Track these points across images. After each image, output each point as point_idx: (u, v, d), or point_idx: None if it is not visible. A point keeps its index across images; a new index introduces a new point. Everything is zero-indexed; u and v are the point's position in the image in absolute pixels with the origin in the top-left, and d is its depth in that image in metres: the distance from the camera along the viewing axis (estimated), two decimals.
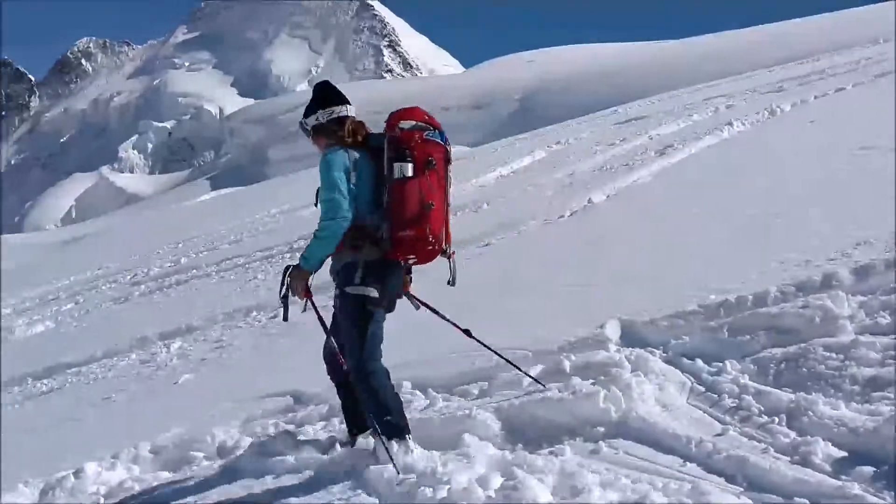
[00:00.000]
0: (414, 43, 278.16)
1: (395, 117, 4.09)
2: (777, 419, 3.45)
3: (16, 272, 30.48)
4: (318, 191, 4.03)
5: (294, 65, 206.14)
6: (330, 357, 4.24)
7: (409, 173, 3.92)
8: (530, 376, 4.60)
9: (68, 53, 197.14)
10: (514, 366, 4.63)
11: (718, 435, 3.45)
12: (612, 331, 4.85)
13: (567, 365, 4.48)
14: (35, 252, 41.61)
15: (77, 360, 9.16)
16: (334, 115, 4.17)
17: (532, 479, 3.13)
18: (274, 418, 5.27)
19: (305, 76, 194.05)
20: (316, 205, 4.02)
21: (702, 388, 3.98)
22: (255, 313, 8.98)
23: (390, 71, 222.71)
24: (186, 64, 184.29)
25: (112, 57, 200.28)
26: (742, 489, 2.99)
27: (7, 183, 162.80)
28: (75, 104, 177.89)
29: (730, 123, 13.82)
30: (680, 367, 4.26)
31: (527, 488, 3.06)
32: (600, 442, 3.63)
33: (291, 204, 22.77)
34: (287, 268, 4.12)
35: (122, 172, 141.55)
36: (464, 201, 13.65)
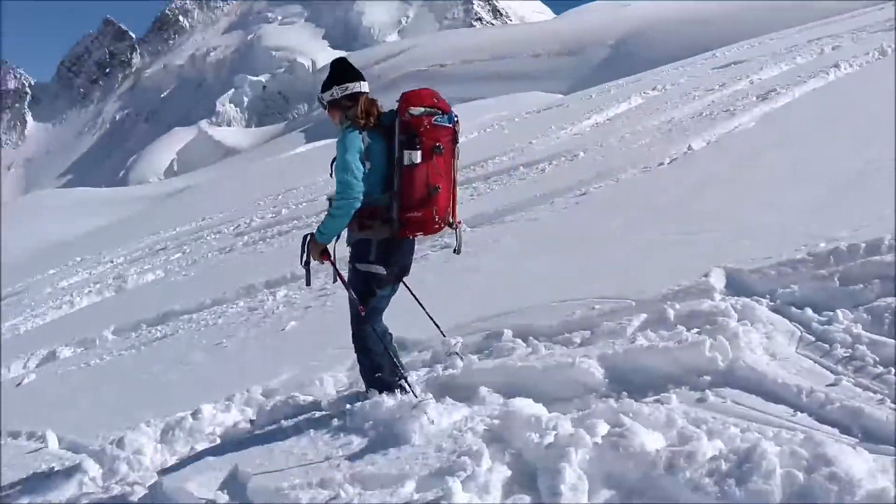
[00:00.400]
0: None
1: (406, 101, 4.24)
2: (893, 369, 3.34)
3: (125, 224, 31.80)
4: (332, 162, 4.30)
5: (384, 16, 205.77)
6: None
7: (418, 160, 4.16)
8: (439, 327, 5.05)
9: (167, 11, 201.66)
10: (430, 317, 5.02)
11: (831, 385, 3.37)
12: (717, 279, 4.75)
13: (671, 314, 4.41)
14: (141, 204, 43.32)
15: (188, 308, 9.49)
16: (348, 91, 4.37)
17: (640, 427, 3.14)
18: None
19: (395, 27, 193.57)
20: (331, 175, 4.30)
21: (812, 338, 3.87)
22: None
23: (479, 19, 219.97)
24: (279, 18, 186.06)
25: (208, 13, 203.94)
26: (857, 440, 2.93)
27: (112, 138, 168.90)
28: (174, 60, 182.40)
29: (836, 65, 13.25)
30: (788, 315, 4.14)
31: (634, 435, 3.07)
32: (707, 391, 3.58)
33: None
34: (305, 237, 4.44)
35: (220, 126, 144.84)
36: (559, 150, 13.53)
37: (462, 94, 64.55)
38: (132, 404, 6.17)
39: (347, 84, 4.41)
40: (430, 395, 4.23)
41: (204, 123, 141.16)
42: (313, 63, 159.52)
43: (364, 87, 4.45)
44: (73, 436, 5.63)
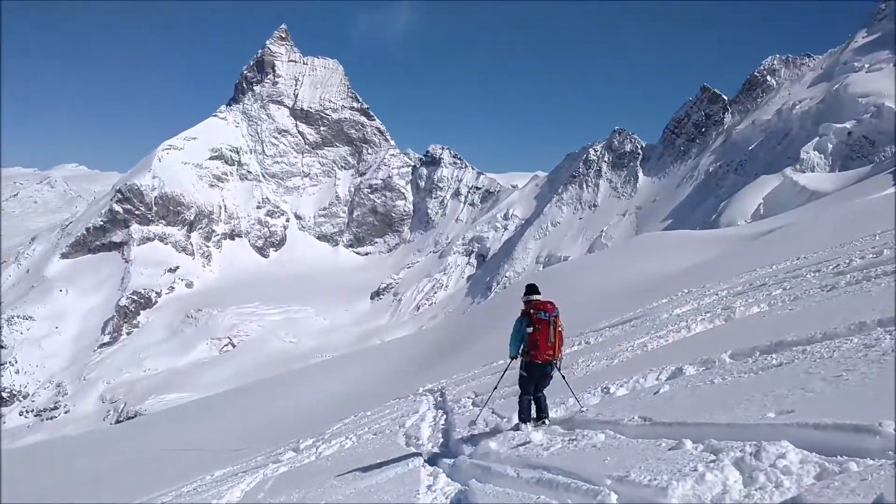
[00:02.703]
0: None
1: (532, 306, 9.38)
2: None
3: (721, 261, 31.92)
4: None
5: None
6: (524, 387, 9.57)
7: (530, 330, 9.19)
8: (576, 397, 9.88)
9: (755, 73, 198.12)
10: (572, 391, 9.98)
11: None
12: None
13: None
14: (731, 244, 43.01)
15: (798, 340, 9.00)
16: (525, 299, 9.55)
17: None
18: None
19: None
20: None
21: None
22: None
23: None
24: (866, 66, 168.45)
25: (794, 70, 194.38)
26: None
27: (705, 187, 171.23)
28: (761, 115, 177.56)
29: None
30: None
31: None
32: None
33: None
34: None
35: (804, 172, 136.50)
36: None
37: None
38: (767, 419, 5.98)
39: (527, 296, 9.54)
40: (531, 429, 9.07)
41: (788, 170, 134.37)
42: None
43: (534, 297, 9.51)
44: (712, 440, 5.76)
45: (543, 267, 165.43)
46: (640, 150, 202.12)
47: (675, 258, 40.25)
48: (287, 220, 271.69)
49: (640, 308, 21.66)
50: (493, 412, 11.72)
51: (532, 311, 9.21)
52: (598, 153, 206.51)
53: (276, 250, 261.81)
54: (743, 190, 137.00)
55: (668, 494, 4.86)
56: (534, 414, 9.53)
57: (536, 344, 9.13)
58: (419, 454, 10.17)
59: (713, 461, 5.26)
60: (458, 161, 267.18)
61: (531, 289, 9.52)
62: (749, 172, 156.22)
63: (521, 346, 9.31)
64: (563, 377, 9.80)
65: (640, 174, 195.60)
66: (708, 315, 14.36)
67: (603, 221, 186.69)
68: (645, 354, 12.48)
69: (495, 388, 12.70)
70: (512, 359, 9.64)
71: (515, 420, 9.66)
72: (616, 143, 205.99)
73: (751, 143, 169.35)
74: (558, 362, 9.42)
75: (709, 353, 9.85)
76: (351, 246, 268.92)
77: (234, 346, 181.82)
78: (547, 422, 9.08)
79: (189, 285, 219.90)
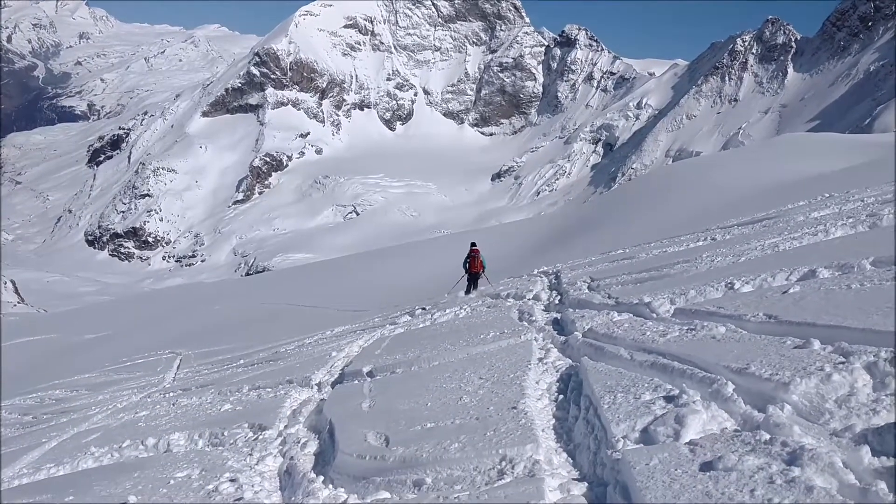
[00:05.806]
0: None
1: (474, 251, 22.95)
2: None
3: (868, 167, 29.69)
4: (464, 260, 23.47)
5: None
6: (467, 282, 23.10)
7: (469, 259, 22.74)
8: (491, 284, 21.60)
9: None
10: (487, 279, 23.12)
11: None
12: None
13: None
14: (884, 151, 39.78)
15: None
16: (470, 249, 23.27)
17: None
18: None
19: None
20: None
21: None
22: None
23: None
24: None
25: None
26: None
27: (863, 88, 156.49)
28: None
29: None
30: None
31: None
32: None
33: None
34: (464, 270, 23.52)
35: None
36: None
37: None
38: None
39: (471, 247, 23.29)
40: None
41: None
42: None
43: (473, 248, 23.17)
44: (843, 343, 5.50)
45: (673, 160, 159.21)
46: (793, 44, 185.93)
47: (819, 162, 37.66)
48: (415, 94, 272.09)
49: (773, 209, 20.60)
50: (609, 296, 11.67)
51: (471, 252, 22.30)
52: (747, 44, 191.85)
53: (402, 124, 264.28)
54: None
55: (789, 390, 4.71)
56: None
57: (471, 265, 22.19)
58: (531, 329, 10.32)
59: (842, 363, 5.04)
60: (595, 43, 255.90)
61: (472, 244, 23.01)
62: None
63: (465, 266, 22.37)
64: (487, 278, 22.65)
65: (790, 69, 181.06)
66: (850, 220, 13.38)
67: (742, 118, 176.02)
68: (775, 254, 11.89)
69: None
70: (465, 272, 22.54)
71: (465, 294, 20.66)
72: (768, 33, 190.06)
73: None
74: (483, 272, 22.37)
75: (847, 259, 9.23)
76: (476, 125, 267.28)
77: (357, 214, 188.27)
78: (473, 293, 19.80)
79: (318, 152, 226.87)
